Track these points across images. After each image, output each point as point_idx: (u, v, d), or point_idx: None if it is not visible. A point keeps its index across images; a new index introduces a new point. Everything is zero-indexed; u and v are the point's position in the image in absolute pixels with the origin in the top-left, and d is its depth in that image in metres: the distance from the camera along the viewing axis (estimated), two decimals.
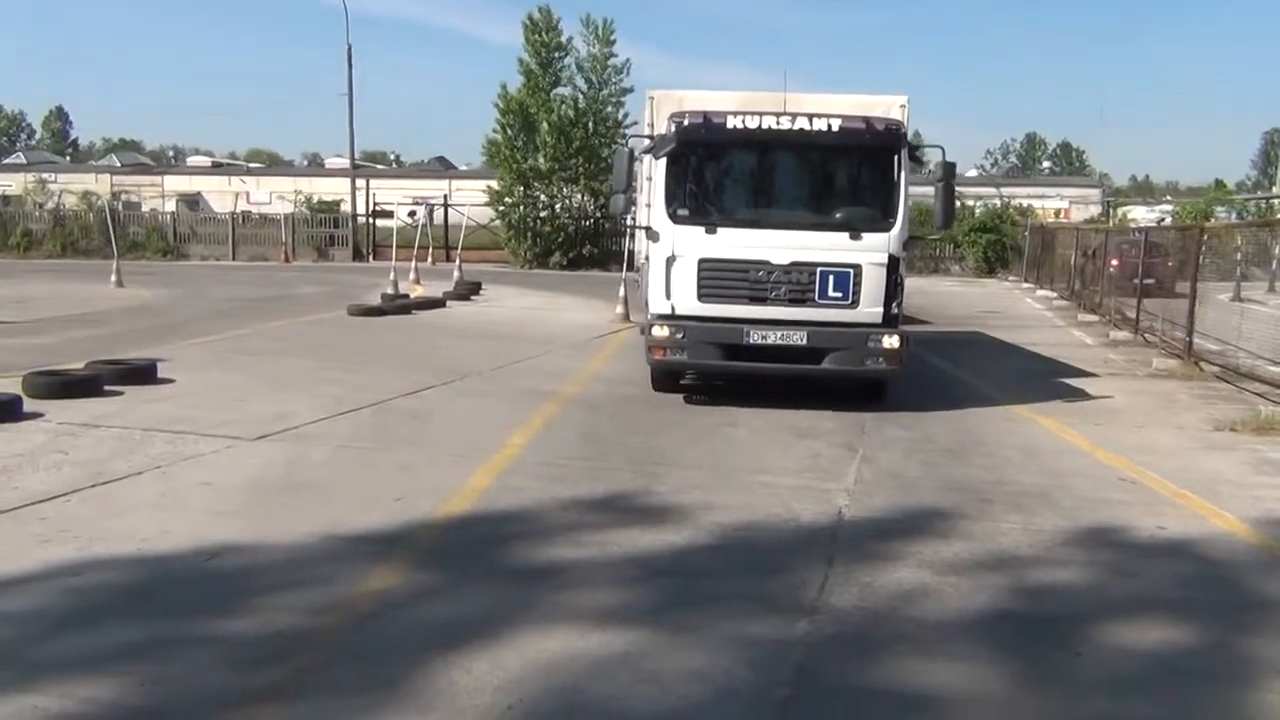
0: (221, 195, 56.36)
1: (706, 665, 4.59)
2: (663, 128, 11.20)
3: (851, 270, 10.22)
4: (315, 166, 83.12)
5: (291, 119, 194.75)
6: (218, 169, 67.44)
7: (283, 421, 9.47)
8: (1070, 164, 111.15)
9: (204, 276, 29.83)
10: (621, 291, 19.58)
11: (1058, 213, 52.07)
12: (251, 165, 79.31)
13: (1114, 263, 22.64)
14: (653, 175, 11.25)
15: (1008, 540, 6.55)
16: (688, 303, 10.47)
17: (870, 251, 10.26)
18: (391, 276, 23.06)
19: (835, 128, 10.31)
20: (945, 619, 5.25)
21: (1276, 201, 53.17)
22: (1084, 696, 4.45)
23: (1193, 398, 12.18)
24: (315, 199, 43.47)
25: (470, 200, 39.25)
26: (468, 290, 24.21)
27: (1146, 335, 17.79)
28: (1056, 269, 29.71)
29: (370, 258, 38.94)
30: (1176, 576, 6.03)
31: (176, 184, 58.10)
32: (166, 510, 6.69)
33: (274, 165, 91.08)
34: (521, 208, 36.53)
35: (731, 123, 10.42)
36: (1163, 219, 48.84)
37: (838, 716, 4.23)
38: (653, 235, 10.70)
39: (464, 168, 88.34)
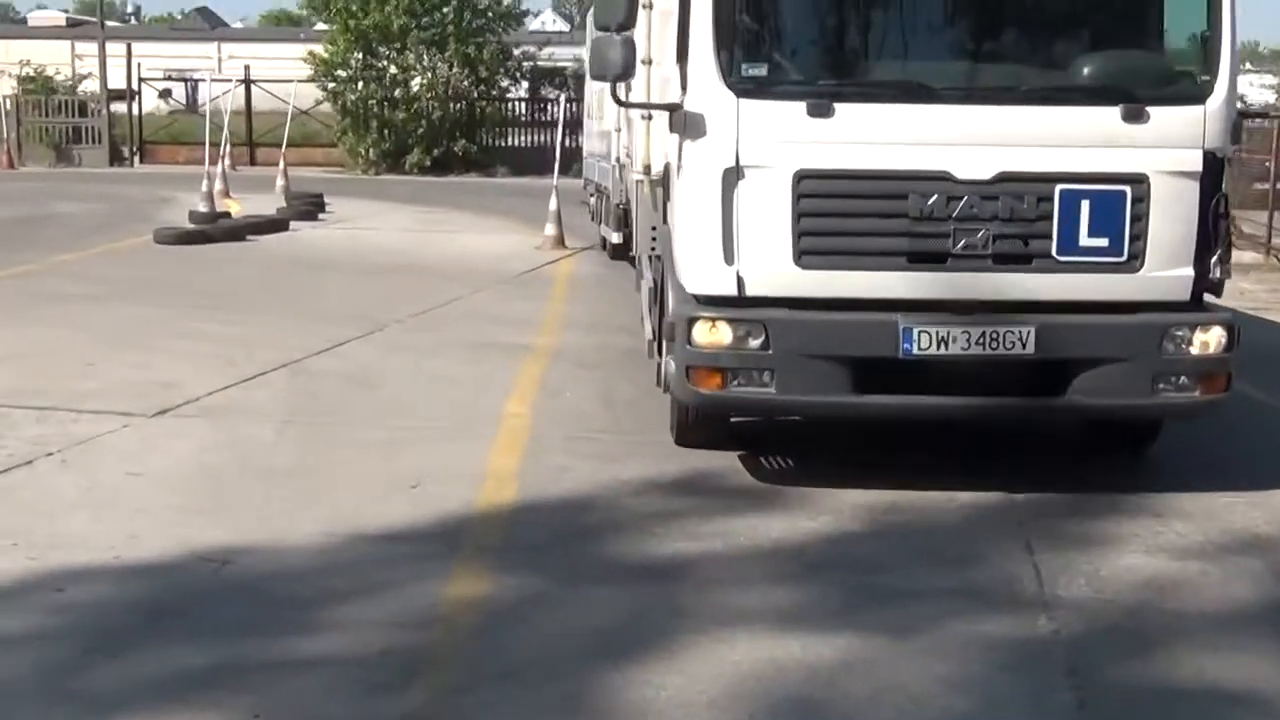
0: None
1: (955, 672, 5.32)
2: None
3: (1128, 188, 7.39)
4: (13, 24, 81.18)
5: None
6: None
7: (175, 392, 9.88)
8: None
9: None
10: (553, 204, 20.09)
11: None
12: None
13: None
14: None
15: (1237, 516, 7.45)
16: (773, 270, 7.47)
17: (1166, 147, 7.44)
18: (205, 188, 23.23)
19: None
20: (1210, 609, 6.09)
21: None
22: None
23: None
24: (28, 70, 42.76)
25: (267, 74, 39.14)
26: (310, 207, 24.54)
27: None
28: None
29: (136, 160, 38.66)
30: None
31: None
32: (111, 509, 7.15)
33: None
34: (362, 85, 36.62)
35: None
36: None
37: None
38: (686, 123, 7.62)
39: (238, 25, 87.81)
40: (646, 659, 5.37)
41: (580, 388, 10.49)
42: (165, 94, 47.90)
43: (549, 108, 38.78)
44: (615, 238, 15.86)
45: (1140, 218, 7.38)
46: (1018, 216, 7.33)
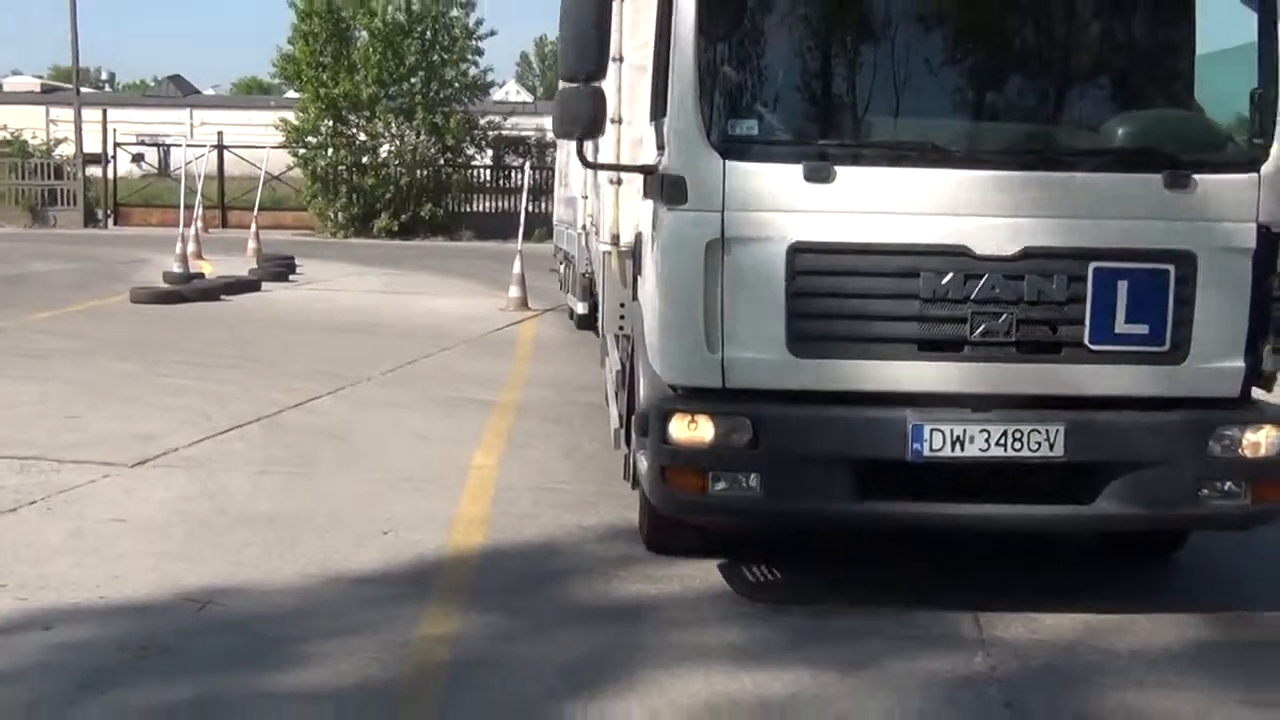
0: None
1: (898, 704, 5.57)
2: None
3: (1171, 267, 6.40)
4: None
5: None
6: None
7: (154, 444, 10.08)
8: None
9: None
10: (517, 268, 20.43)
11: None
12: None
13: None
14: (648, 41, 7.43)
15: (1175, 573, 7.74)
16: (763, 358, 6.42)
17: (1215, 220, 6.47)
18: (179, 249, 23.56)
19: None
20: (1139, 650, 6.36)
21: None
22: None
23: None
24: (3, 134, 43.03)
25: (238, 140, 39.40)
26: (281, 268, 24.97)
27: None
28: None
29: (110, 222, 38.88)
30: None
31: None
32: (96, 554, 7.34)
33: None
34: (332, 151, 36.97)
35: None
36: None
37: None
38: (664, 188, 6.51)
39: (210, 92, 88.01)
40: (610, 694, 5.58)
41: (545, 441, 10.74)
42: (138, 158, 48.19)
43: (513, 174, 39.43)
44: (581, 307, 15.86)
45: (1185, 301, 6.36)
46: (1045, 299, 6.30)
